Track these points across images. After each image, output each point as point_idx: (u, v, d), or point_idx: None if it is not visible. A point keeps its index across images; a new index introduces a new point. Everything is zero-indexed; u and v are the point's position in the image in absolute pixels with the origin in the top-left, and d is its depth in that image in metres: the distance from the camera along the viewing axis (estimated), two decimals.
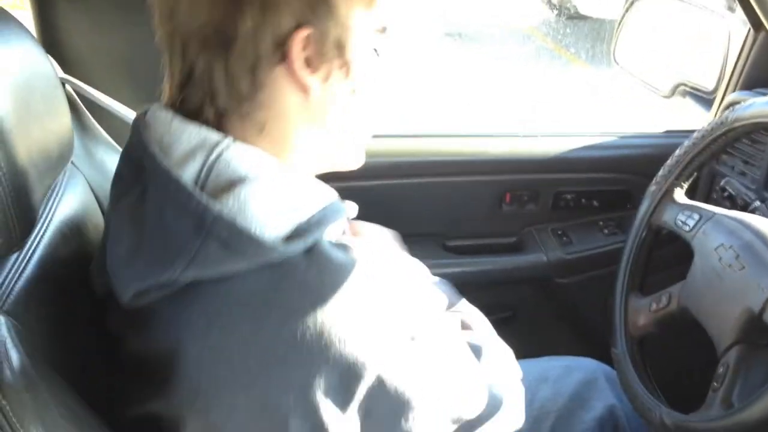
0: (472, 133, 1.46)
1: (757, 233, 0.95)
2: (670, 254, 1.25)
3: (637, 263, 1.16)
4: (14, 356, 0.60)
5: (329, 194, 0.68)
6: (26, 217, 0.68)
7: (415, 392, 0.65)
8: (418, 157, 1.14)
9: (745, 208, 1.19)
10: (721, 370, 0.93)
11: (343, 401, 0.61)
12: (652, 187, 1.16)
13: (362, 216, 1.08)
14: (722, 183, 1.28)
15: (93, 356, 0.74)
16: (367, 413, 0.63)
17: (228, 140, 0.63)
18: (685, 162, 1.12)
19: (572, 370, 1.16)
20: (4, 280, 0.67)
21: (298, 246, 0.61)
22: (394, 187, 1.39)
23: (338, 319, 0.60)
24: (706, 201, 1.29)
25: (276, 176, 0.64)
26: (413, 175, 1.39)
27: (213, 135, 0.63)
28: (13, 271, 0.69)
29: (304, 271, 0.61)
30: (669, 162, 1.15)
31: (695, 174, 1.14)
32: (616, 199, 1.51)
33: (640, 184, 1.23)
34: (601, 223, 1.52)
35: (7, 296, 0.66)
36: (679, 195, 1.13)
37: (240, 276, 0.60)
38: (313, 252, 0.63)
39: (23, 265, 0.70)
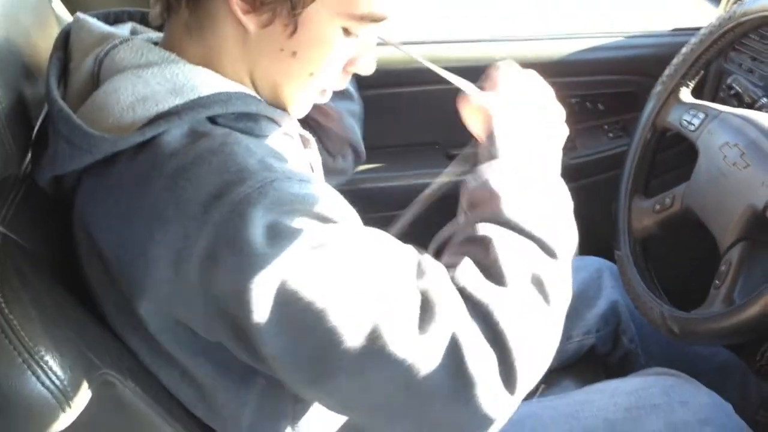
0: (472, 39, 1.43)
1: (763, 130, 0.94)
2: (674, 156, 1.25)
3: (641, 165, 1.15)
4: (16, 271, 0.61)
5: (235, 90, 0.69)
6: (21, 135, 0.68)
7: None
8: (417, 64, 1.10)
9: (751, 105, 1.17)
10: (723, 267, 0.94)
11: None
12: (658, 87, 1.14)
13: (363, 126, 1.07)
14: (729, 81, 1.25)
15: None
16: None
17: (131, 39, 0.69)
18: (691, 60, 1.10)
19: (577, 270, 1.17)
20: (5, 199, 0.67)
21: (156, 130, 0.63)
22: (394, 96, 1.36)
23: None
24: (713, 100, 1.27)
25: (165, 70, 0.67)
26: (413, 83, 1.36)
27: (117, 33, 0.70)
28: (12, 190, 0.69)
29: (169, 150, 0.63)
30: (675, 61, 1.13)
31: (702, 72, 1.11)
32: (621, 101, 1.48)
33: (646, 85, 1.21)
34: (606, 126, 1.50)
35: (7, 213, 0.66)
36: (685, 94, 1.11)
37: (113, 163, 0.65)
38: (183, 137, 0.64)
39: (22, 183, 0.70)
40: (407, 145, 1.02)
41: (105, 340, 0.69)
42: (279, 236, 0.59)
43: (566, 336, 1.15)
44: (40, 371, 0.58)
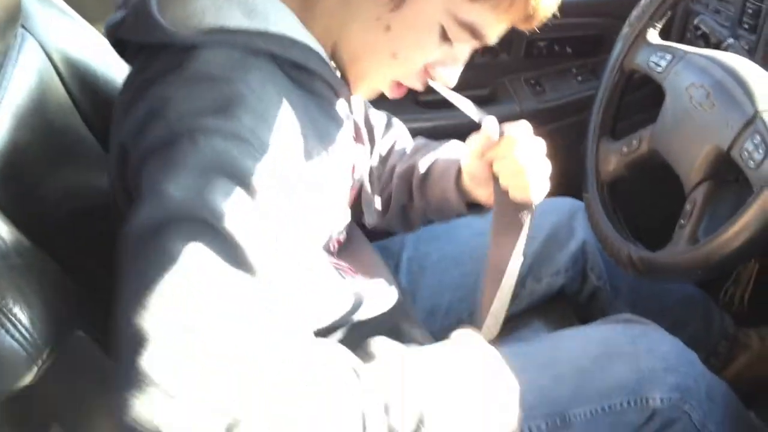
0: None
1: (729, 70, 0.95)
2: (642, 98, 1.25)
3: (609, 108, 1.16)
4: None
5: (306, 45, 0.69)
6: None
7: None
8: None
9: (718, 46, 1.18)
10: (688, 207, 0.95)
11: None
12: (626, 29, 1.13)
13: None
14: (696, 21, 1.25)
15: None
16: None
17: None
18: (659, 1, 1.09)
19: (547, 213, 1.19)
20: None
21: (209, 39, 0.65)
22: None
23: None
24: (680, 41, 1.27)
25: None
26: None
27: None
28: None
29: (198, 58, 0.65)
30: (643, 2, 1.12)
31: (669, 13, 1.11)
32: (589, 44, 1.48)
33: (614, 28, 1.20)
34: (574, 70, 1.50)
35: None
36: (653, 36, 1.10)
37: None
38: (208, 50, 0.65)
39: None
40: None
41: (74, 293, 0.69)
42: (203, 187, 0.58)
43: (536, 278, 1.17)
44: (9, 324, 0.58)
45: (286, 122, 0.67)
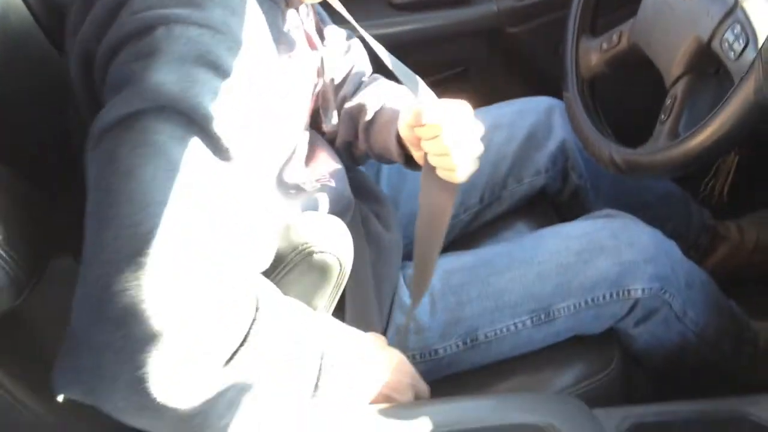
0: None
1: None
2: None
3: (588, 4, 1.13)
4: None
5: None
6: None
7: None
8: None
9: None
10: (668, 102, 0.95)
11: None
12: None
13: None
14: None
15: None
16: None
17: None
18: None
19: (525, 113, 1.18)
20: None
21: None
22: None
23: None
24: None
25: None
26: None
27: None
28: None
29: None
30: None
31: None
32: None
33: None
34: None
35: None
36: None
37: None
38: None
39: None
40: None
41: (58, 216, 0.68)
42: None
43: (517, 179, 1.18)
44: None
45: (254, 22, 0.66)
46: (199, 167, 0.57)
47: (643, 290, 0.95)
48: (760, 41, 0.81)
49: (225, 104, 0.59)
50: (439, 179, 0.86)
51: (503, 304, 0.94)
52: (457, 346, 0.94)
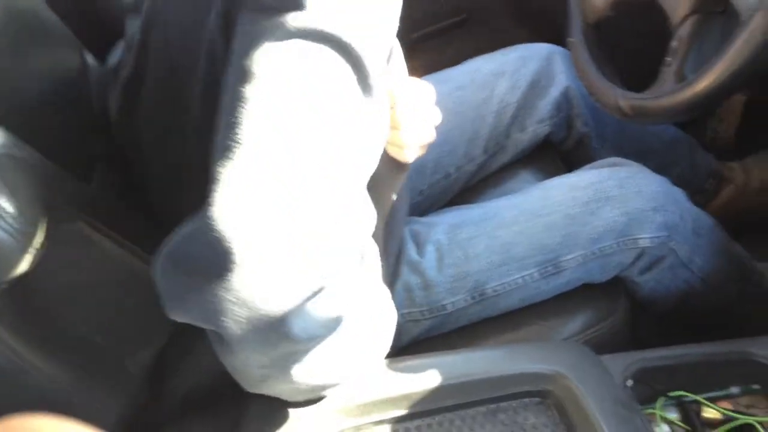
0: None
1: None
2: None
3: None
4: None
5: None
6: None
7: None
8: None
9: None
10: (674, 44, 0.93)
11: None
12: None
13: None
14: None
15: None
16: None
17: None
18: None
19: (527, 60, 1.16)
20: None
21: None
22: None
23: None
24: None
25: None
26: None
27: None
28: None
29: None
30: None
31: None
32: None
33: None
34: None
35: None
36: None
37: None
38: None
39: None
40: None
41: (59, 178, 0.68)
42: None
43: (520, 128, 1.16)
44: None
45: None
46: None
47: (651, 239, 0.95)
48: None
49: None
50: (387, 154, 0.83)
51: (511, 257, 0.94)
52: (465, 300, 0.94)
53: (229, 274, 0.52)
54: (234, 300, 0.52)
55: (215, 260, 0.52)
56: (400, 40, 0.98)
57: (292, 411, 0.67)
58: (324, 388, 0.65)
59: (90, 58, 0.89)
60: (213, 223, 0.52)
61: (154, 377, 0.74)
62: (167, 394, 0.76)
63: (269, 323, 0.54)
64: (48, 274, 0.63)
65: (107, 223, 0.68)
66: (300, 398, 0.66)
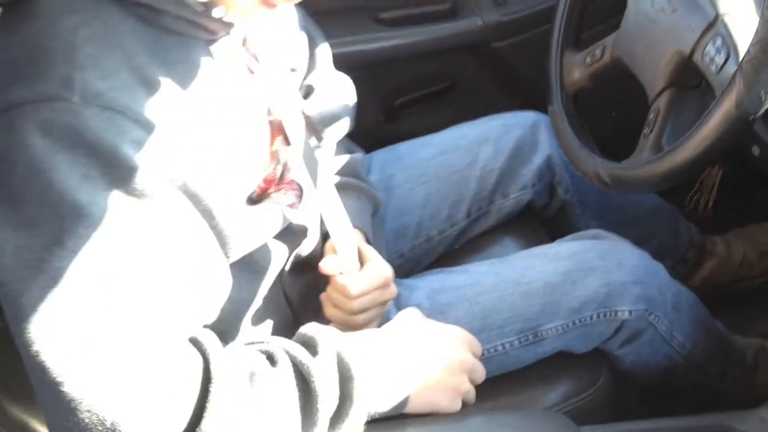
0: None
1: None
2: (605, 6, 1.23)
3: (571, 18, 1.13)
4: None
5: None
6: None
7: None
8: None
9: None
10: (651, 116, 0.95)
11: None
12: None
13: None
14: None
15: None
16: None
17: None
18: None
19: (511, 127, 1.18)
20: None
21: None
22: None
23: None
24: None
25: None
26: None
27: None
28: None
29: None
30: None
31: None
32: None
33: None
34: None
35: None
36: None
37: None
38: None
39: None
40: (330, 12, 0.98)
41: None
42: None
43: (503, 194, 1.17)
44: None
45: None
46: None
47: (630, 312, 0.94)
48: (741, 54, 0.81)
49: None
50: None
51: (490, 324, 0.93)
52: None
53: None
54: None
55: None
56: (384, 105, 0.99)
57: None
58: None
59: None
60: None
61: None
62: None
63: None
64: None
65: None
66: None
